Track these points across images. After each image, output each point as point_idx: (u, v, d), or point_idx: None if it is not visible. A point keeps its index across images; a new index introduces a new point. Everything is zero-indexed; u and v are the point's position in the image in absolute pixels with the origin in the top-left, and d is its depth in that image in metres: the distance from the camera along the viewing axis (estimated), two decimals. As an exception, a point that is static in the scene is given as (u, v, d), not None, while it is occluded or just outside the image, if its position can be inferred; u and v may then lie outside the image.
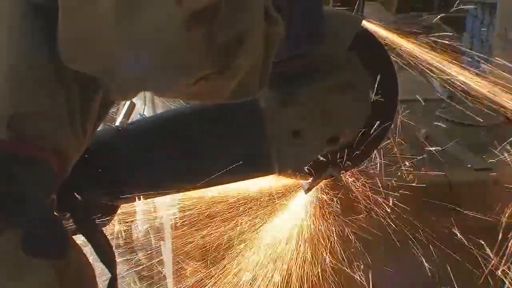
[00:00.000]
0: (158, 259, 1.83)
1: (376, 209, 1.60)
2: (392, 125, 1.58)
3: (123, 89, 0.99)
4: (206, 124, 1.43)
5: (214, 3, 0.88)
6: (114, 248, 1.47)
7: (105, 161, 1.34)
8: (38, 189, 0.94)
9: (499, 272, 1.61)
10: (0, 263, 0.89)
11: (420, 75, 1.86)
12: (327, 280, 1.64)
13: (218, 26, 0.89)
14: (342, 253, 1.62)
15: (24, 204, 0.91)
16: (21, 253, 0.88)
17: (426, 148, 1.79)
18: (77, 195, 1.22)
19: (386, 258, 1.66)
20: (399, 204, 1.61)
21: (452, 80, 1.79)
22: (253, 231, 1.63)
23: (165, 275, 1.84)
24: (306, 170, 1.54)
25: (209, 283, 1.65)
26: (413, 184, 1.64)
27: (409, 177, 1.66)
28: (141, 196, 1.41)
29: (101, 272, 1.12)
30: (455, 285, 1.65)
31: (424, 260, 1.63)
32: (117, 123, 1.48)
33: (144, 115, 1.64)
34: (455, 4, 2.39)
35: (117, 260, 1.62)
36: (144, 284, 1.82)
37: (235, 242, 1.63)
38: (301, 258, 1.62)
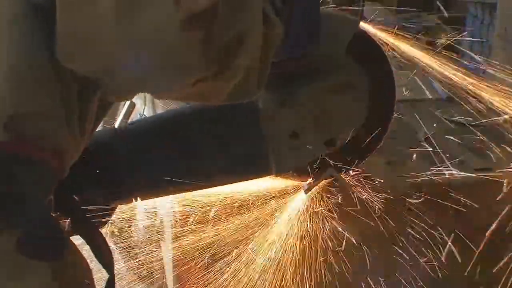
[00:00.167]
0: (158, 259, 1.83)
1: (376, 209, 1.60)
2: (391, 125, 1.59)
3: (123, 89, 0.99)
4: (205, 124, 1.43)
5: (213, 4, 0.88)
6: (113, 248, 1.47)
7: (104, 161, 1.35)
8: (37, 189, 0.94)
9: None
10: (0, 263, 0.89)
11: (420, 75, 1.86)
12: (327, 280, 1.64)
13: (217, 27, 0.90)
14: (341, 253, 1.62)
15: (23, 204, 0.91)
16: (19, 254, 0.88)
17: (426, 148, 1.79)
18: (75, 196, 1.22)
19: (385, 258, 1.65)
20: (399, 204, 1.61)
21: (452, 80, 1.79)
22: (253, 231, 1.63)
23: (165, 275, 1.83)
24: (305, 171, 1.54)
25: (209, 283, 1.65)
26: (412, 184, 1.64)
27: (409, 177, 1.66)
28: (140, 197, 1.41)
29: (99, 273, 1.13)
30: (455, 285, 1.65)
31: (423, 260, 1.63)
32: (117, 123, 1.48)
33: (144, 115, 1.64)
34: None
35: (116, 260, 1.62)
36: (144, 284, 1.82)
37: (234, 242, 1.63)
38: (301, 258, 1.62)
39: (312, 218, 1.62)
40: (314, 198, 1.61)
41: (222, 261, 1.64)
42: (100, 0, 0.85)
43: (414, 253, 1.62)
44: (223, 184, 1.53)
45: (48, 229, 0.94)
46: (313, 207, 1.61)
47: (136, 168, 1.40)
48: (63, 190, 1.02)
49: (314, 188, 1.60)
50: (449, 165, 1.72)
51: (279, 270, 1.63)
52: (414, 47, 1.79)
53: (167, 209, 1.68)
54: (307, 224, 1.61)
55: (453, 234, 1.62)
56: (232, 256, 1.63)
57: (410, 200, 1.62)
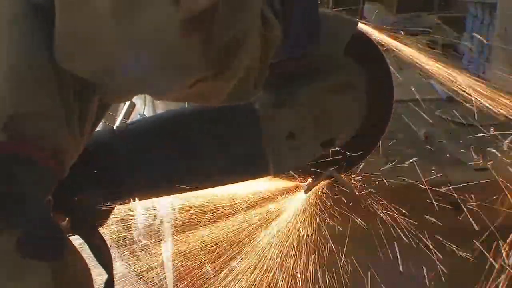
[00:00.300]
0: (158, 259, 1.83)
1: (375, 209, 1.60)
2: (390, 125, 1.59)
3: (123, 90, 0.99)
4: (205, 125, 1.43)
5: (212, 5, 0.88)
6: (114, 248, 1.47)
7: (103, 161, 1.35)
8: (37, 189, 0.94)
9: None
10: (0, 263, 0.89)
11: (419, 75, 1.86)
12: (326, 280, 1.64)
13: (217, 27, 0.90)
14: (340, 253, 1.62)
15: (23, 204, 0.91)
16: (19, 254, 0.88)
17: (426, 148, 1.80)
18: (75, 196, 1.22)
19: (385, 258, 1.66)
20: (399, 204, 1.61)
21: (452, 80, 1.79)
22: (253, 232, 1.63)
23: (165, 275, 1.83)
24: (304, 171, 1.54)
25: (209, 283, 1.65)
26: (413, 183, 1.64)
27: (409, 177, 1.66)
28: (140, 197, 1.41)
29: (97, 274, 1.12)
30: (455, 285, 1.65)
31: (423, 260, 1.63)
32: (117, 123, 1.48)
33: (144, 115, 1.64)
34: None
35: (117, 260, 1.62)
36: (144, 284, 1.82)
37: (234, 243, 1.63)
38: (300, 258, 1.62)
39: (312, 218, 1.62)
40: (314, 198, 1.61)
41: (221, 261, 1.64)
42: (99, 2, 0.85)
43: (414, 253, 1.62)
44: (222, 185, 1.53)
45: (48, 229, 0.94)
46: (313, 207, 1.61)
47: (135, 168, 1.40)
48: (63, 190, 1.02)
49: (314, 188, 1.60)
50: (449, 165, 1.72)
51: (280, 269, 1.63)
52: (414, 47, 1.79)
53: (167, 209, 1.68)
54: (307, 224, 1.62)
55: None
56: (232, 257, 1.63)
57: (410, 200, 1.62)
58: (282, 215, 1.64)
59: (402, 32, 1.78)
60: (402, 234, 1.61)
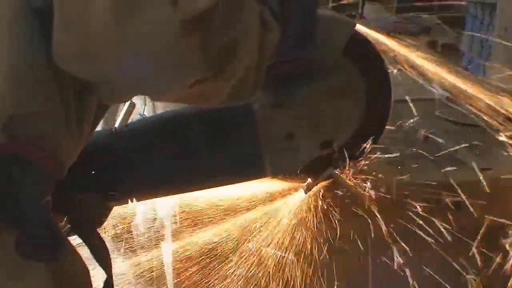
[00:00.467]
0: (158, 259, 1.83)
1: (375, 209, 1.60)
2: (389, 125, 1.59)
3: (123, 90, 0.99)
4: (205, 125, 1.43)
5: (210, 7, 0.88)
6: (114, 248, 1.47)
7: (103, 161, 1.35)
8: (37, 189, 0.94)
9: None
10: (0, 263, 0.89)
11: (419, 75, 1.87)
12: (325, 280, 1.64)
13: (214, 31, 0.90)
14: (340, 253, 1.62)
15: (23, 204, 0.91)
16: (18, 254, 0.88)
17: (426, 148, 1.79)
18: (74, 196, 1.22)
19: (384, 258, 1.66)
20: (398, 204, 1.61)
21: (452, 80, 1.79)
22: (253, 232, 1.63)
23: (165, 275, 1.84)
24: (302, 173, 1.54)
25: (209, 283, 1.65)
26: (412, 183, 1.64)
27: (409, 177, 1.66)
28: (140, 197, 1.42)
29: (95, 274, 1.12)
30: (455, 285, 1.65)
31: (423, 260, 1.63)
32: (117, 123, 1.48)
33: (144, 115, 1.64)
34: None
35: (117, 261, 1.62)
36: (144, 284, 1.82)
37: (234, 244, 1.63)
38: (299, 258, 1.62)
39: (312, 217, 1.62)
40: (314, 198, 1.62)
41: (222, 262, 1.64)
42: (98, 2, 0.85)
43: (414, 253, 1.62)
44: (222, 185, 1.54)
45: (47, 230, 0.94)
46: (312, 207, 1.62)
47: (135, 168, 1.40)
48: (63, 190, 1.02)
49: (314, 188, 1.60)
50: (449, 165, 1.72)
51: (279, 270, 1.63)
52: (414, 47, 1.80)
53: (167, 209, 1.68)
54: (308, 224, 1.62)
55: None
56: (232, 257, 1.63)
57: (410, 200, 1.62)
58: (282, 215, 1.64)
59: (402, 32, 1.78)
60: (401, 235, 1.61)
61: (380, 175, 1.64)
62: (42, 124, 0.93)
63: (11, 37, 0.91)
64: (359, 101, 1.51)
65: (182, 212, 1.63)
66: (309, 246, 1.62)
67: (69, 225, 1.19)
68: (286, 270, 1.63)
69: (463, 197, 1.62)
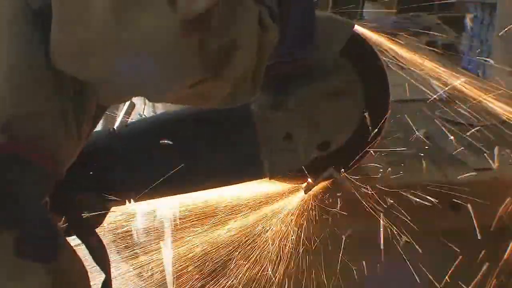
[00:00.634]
0: (158, 260, 1.83)
1: (375, 209, 1.60)
2: (389, 125, 1.59)
3: (123, 90, 0.99)
4: (204, 125, 1.43)
5: (210, 7, 0.88)
6: (113, 248, 1.47)
7: (103, 161, 1.35)
8: (36, 189, 0.94)
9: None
10: (0, 263, 0.89)
11: (419, 75, 1.86)
12: (325, 280, 1.64)
13: (213, 31, 0.90)
14: (341, 253, 1.62)
15: (23, 204, 0.91)
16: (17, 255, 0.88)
17: (426, 148, 1.80)
18: (74, 196, 1.22)
19: (385, 258, 1.65)
20: (399, 204, 1.61)
21: (452, 80, 1.79)
22: (253, 232, 1.63)
23: (165, 276, 1.83)
24: (302, 173, 1.54)
25: (209, 283, 1.65)
26: (413, 183, 1.64)
27: (409, 177, 1.66)
28: (139, 197, 1.42)
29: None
30: (455, 285, 1.65)
31: (423, 260, 1.63)
32: (117, 123, 1.49)
33: (144, 115, 1.64)
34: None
35: (117, 261, 1.62)
36: (144, 285, 1.82)
37: (234, 244, 1.63)
38: (299, 258, 1.62)
39: (312, 217, 1.62)
40: (314, 198, 1.62)
41: (221, 263, 1.64)
42: (98, 3, 0.86)
43: (414, 253, 1.62)
44: (221, 185, 1.54)
45: (46, 230, 0.95)
46: (312, 207, 1.62)
47: (135, 168, 1.40)
48: (62, 190, 1.02)
49: (314, 188, 1.60)
50: (449, 165, 1.72)
51: (280, 269, 1.63)
52: (414, 47, 1.79)
53: (167, 210, 1.68)
54: (308, 224, 1.62)
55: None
56: (231, 258, 1.63)
57: (410, 200, 1.62)
58: (282, 215, 1.64)
59: (402, 32, 1.78)
60: (401, 235, 1.61)
61: (380, 175, 1.64)
62: (42, 124, 0.93)
63: (11, 37, 0.91)
64: (358, 101, 1.51)
65: (182, 213, 1.63)
66: (309, 246, 1.62)
67: (66, 225, 1.20)
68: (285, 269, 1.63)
69: (462, 197, 1.62)
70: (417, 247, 1.61)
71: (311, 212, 1.62)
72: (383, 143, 1.64)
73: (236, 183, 1.53)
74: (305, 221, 1.62)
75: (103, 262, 1.16)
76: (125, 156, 1.40)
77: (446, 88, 1.82)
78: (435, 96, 1.83)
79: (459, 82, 1.79)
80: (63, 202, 1.15)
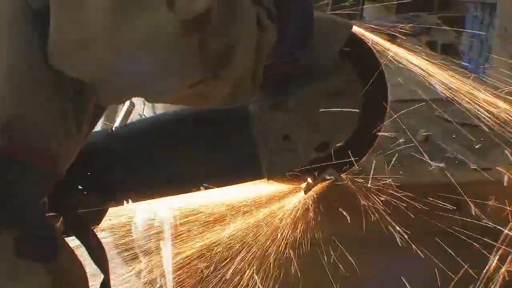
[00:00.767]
0: (158, 260, 1.83)
1: (375, 209, 1.60)
2: (389, 125, 1.59)
3: (123, 90, 0.99)
4: (203, 126, 1.43)
5: (210, 7, 0.88)
6: (113, 248, 1.47)
7: (102, 162, 1.35)
8: (36, 189, 0.94)
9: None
10: (0, 263, 0.89)
11: (419, 75, 1.87)
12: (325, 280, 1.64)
13: (213, 31, 0.90)
14: (341, 253, 1.62)
15: (22, 204, 0.91)
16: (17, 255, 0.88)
17: (426, 148, 1.79)
18: (73, 196, 1.22)
19: (385, 258, 1.66)
20: (399, 204, 1.61)
21: (452, 80, 1.79)
22: (253, 232, 1.63)
23: (165, 276, 1.84)
24: (301, 173, 1.54)
25: (209, 283, 1.65)
26: (413, 183, 1.64)
27: (408, 177, 1.66)
28: (139, 197, 1.42)
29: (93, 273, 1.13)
30: (455, 285, 1.65)
31: (424, 260, 1.63)
32: (117, 124, 1.49)
33: (144, 115, 1.64)
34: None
35: (117, 261, 1.62)
36: (144, 285, 1.82)
37: (234, 244, 1.63)
38: (299, 258, 1.63)
39: (312, 217, 1.62)
40: (313, 198, 1.62)
41: (221, 262, 1.64)
42: (98, 3, 0.86)
43: (414, 253, 1.62)
44: (221, 185, 1.53)
45: (46, 230, 0.95)
46: (312, 207, 1.62)
47: (134, 169, 1.40)
48: (62, 191, 1.02)
49: (314, 188, 1.60)
50: (449, 165, 1.72)
51: (279, 270, 1.63)
52: (414, 47, 1.79)
53: (167, 210, 1.68)
54: (308, 224, 1.62)
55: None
56: (231, 258, 1.63)
57: (409, 200, 1.62)
58: (282, 215, 1.64)
59: (401, 32, 1.78)
60: (401, 235, 1.61)
61: (380, 175, 1.64)
62: (42, 124, 0.93)
63: (11, 37, 0.91)
64: (357, 101, 1.51)
65: (182, 213, 1.63)
66: (308, 246, 1.62)
67: (66, 226, 1.20)
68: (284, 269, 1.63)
69: (462, 197, 1.62)
70: (417, 247, 1.62)
71: (310, 212, 1.62)
72: (383, 143, 1.64)
73: (236, 183, 1.53)
74: (304, 221, 1.62)
75: (102, 262, 1.16)
76: (125, 156, 1.40)
77: (446, 88, 1.82)
78: (435, 96, 1.83)
79: (459, 82, 1.79)
80: (62, 202, 1.15)
